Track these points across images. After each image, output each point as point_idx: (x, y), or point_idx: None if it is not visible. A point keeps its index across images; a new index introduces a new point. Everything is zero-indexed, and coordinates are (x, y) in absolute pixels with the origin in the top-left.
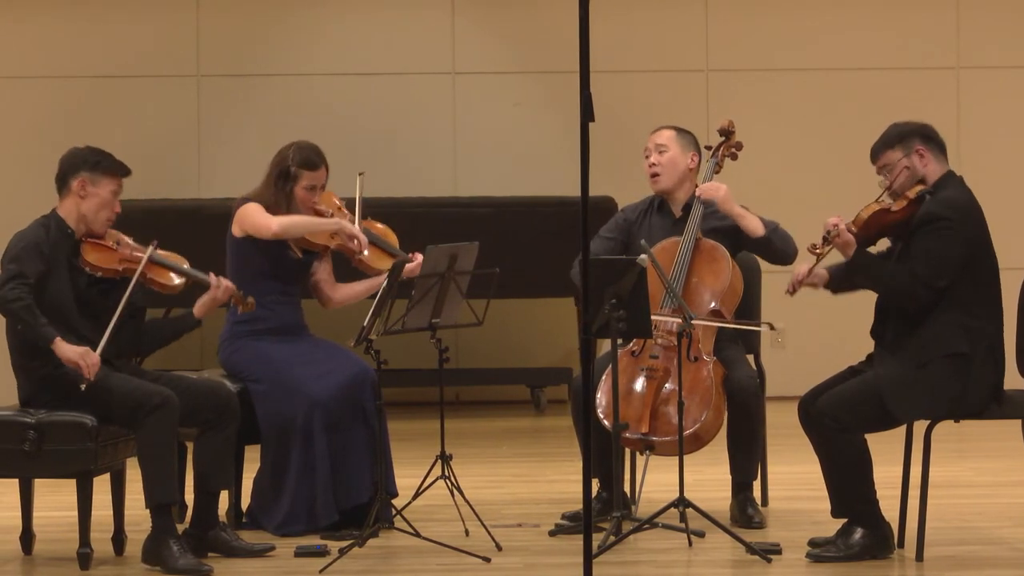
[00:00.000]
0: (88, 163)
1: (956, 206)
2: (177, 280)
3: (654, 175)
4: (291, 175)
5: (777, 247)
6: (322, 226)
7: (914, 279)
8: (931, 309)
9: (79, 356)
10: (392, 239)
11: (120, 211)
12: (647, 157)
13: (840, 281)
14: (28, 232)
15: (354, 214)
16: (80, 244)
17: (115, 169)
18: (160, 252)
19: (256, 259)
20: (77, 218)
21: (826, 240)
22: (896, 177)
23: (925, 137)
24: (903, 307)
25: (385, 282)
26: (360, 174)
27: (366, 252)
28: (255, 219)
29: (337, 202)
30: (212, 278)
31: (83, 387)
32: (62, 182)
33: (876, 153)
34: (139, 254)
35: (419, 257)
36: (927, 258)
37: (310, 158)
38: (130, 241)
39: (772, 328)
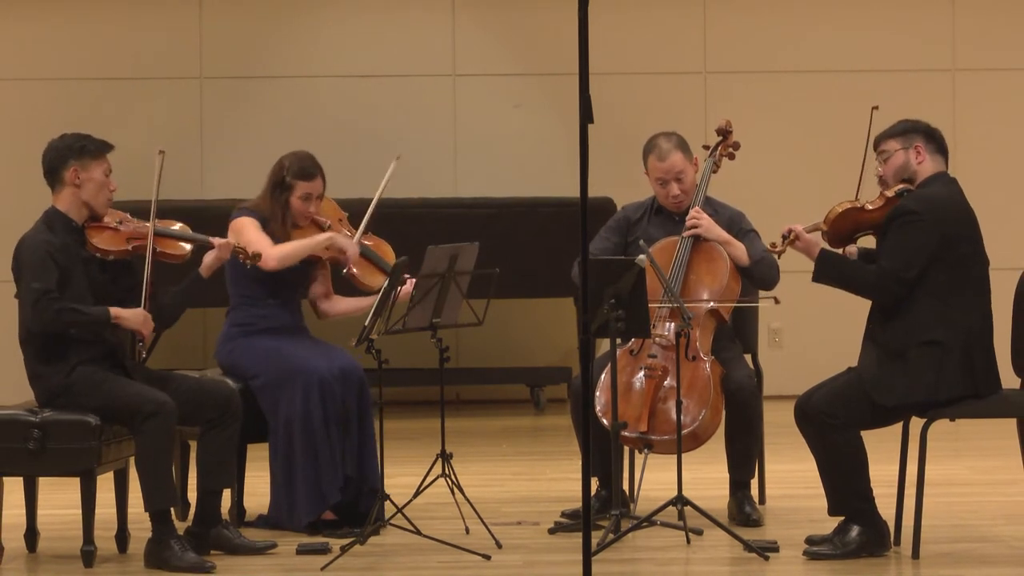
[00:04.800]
0: (74, 151)
1: (927, 200)
2: (187, 247)
3: (679, 203)
4: (286, 185)
5: (756, 278)
6: (316, 245)
7: (882, 273)
8: (909, 300)
9: (142, 323)
10: (388, 255)
11: (115, 188)
12: (663, 185)
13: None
14: (34, 239)
15: (353, 227)
16: (84, 231)
17: (101, 149)
18: (160, 222)
19: (254, 268)
20: (78, 208)
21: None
22: (888, 166)
23: (928, 137)
24: (879, 302)
25: (387, 282)
26: (396, 158)
27: (354, 269)
28: (255, 247)
29: (339, 213)
30: (213, 240)
31: (143, 354)
32: (53, 176)
33: (879, 140)
34: (143, 229)
35: (411, 283)
36: (893, 252)
37: (305, 168)
38: (131, 217)
39: (777, 302)
